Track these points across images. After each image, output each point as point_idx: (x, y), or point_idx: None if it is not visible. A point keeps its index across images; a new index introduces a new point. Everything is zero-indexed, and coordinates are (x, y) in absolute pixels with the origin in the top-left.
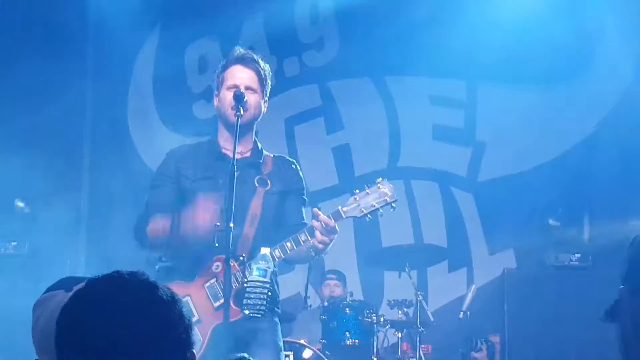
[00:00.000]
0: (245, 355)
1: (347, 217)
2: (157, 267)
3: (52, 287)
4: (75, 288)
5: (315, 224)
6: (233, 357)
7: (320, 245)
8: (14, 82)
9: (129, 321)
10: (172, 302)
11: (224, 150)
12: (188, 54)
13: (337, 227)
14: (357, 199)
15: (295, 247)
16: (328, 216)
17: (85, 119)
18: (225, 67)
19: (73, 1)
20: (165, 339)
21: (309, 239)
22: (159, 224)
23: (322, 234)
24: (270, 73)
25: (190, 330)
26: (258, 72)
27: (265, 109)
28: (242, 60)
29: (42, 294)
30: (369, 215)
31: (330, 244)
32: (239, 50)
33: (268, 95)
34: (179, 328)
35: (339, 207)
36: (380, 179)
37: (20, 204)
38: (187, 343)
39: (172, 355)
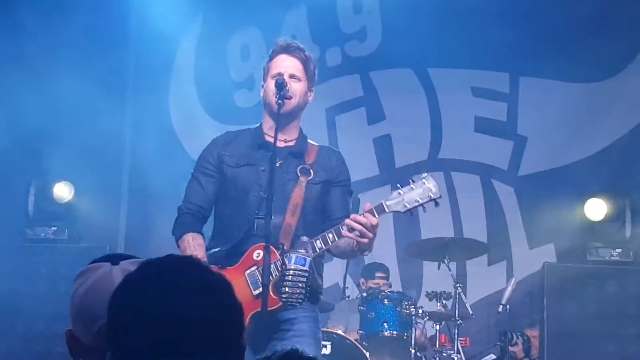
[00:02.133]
0: (298, 347)
1: (390, 212)
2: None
3: (98, 259)
4: (122, 262)
5: (353, 224)
6: (282, 350)
7: (364, 240)
8: (53, 66)
9: (185, 304)
10: (226, 285)
11: (267, 138)
12: (230, 43)
13: (377, 227)
14: (401, 193)
15: (336, 239)
16: (362, 215)
17: (126, 107)
18: (270, 58)
19: None
20: (222, 322)
21: (350, 232)
22: (189, 250)
23: (365, 228)
24: (316, 62)
25: (242, 315)
26: (303, 61)
27: (311, 98)
28: (287, 49)
29: (87, 265)
30: (411, 211)
31: (372, 242)
32: (284, 40)
33: (314, 84)
34: (231, 311)
35: (382, 202)
36: (425, 174)
37: (62, 190)
38: (241, 327)
39: (225, 338)
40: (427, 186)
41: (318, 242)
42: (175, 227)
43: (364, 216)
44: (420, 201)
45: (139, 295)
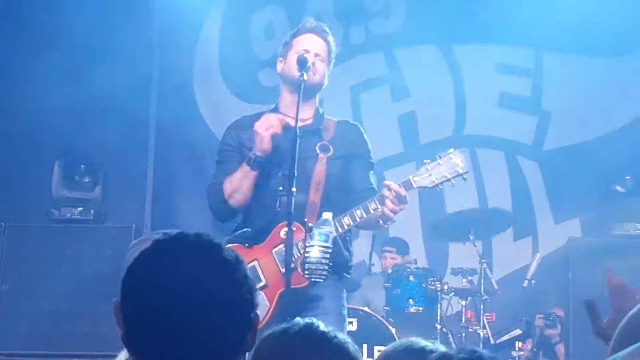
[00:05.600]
0: (315, 320)
1: (417, 187)
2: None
3: (154, 233)
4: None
5: (387, 193)
6: (301, 322)
7: (392, 215)
8: (79, 48)
9: (193, 281)
10: (237, 262)
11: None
12: (254, 22)
13: (407, 197)
14: (429, 169)
15: (364, 215)
16: (399, 185)
17: (151, 86)
18: (295, 35)
19: None
20: (230, 298)
21: (379, 207)
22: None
23: (393, 203)
24: (336, 47)
25: (254, 292)
26: (328, 44)
27: (327, 82)
28: (315, 30)
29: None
30: (440, 186)
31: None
32: (312, 21)
33: (331, 68)
34: (242, 288)
35: (410, 177)
36: (452, 149)
37: (87, 170)
38: (251, 304)
39: (236, 315)
40: (454, 161)
41: (346, 218)
42: (210, 200)
43: (400, 187)
44: (448, 176)
45: (148, 271)
